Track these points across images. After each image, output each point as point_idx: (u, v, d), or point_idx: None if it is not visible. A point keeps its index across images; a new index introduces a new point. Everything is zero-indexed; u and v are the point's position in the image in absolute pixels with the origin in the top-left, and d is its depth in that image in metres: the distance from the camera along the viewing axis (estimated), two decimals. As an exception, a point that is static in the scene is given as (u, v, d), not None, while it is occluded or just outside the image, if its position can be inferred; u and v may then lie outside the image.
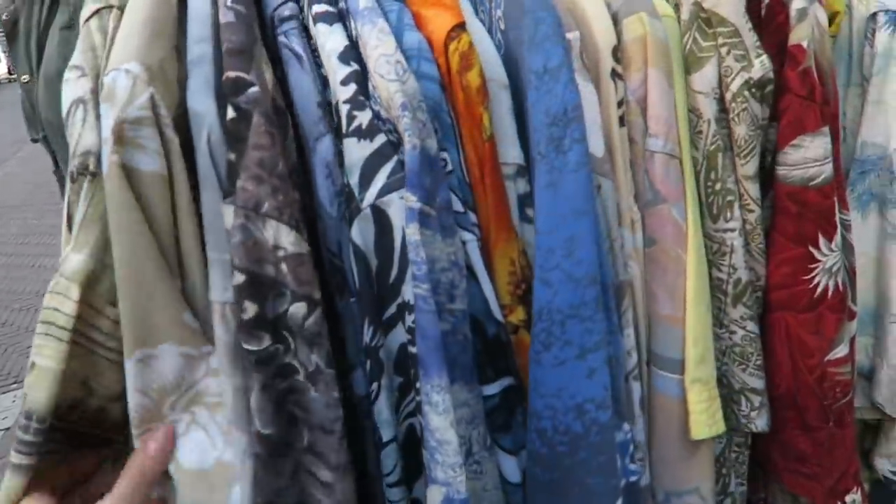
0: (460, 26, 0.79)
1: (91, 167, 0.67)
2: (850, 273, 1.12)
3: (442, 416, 0.73)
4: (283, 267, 0.69)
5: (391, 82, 0.74)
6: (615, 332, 0.89)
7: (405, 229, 0.73)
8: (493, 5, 0.90)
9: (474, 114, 0.80)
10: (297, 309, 0.70)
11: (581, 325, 0.81)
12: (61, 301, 0.64)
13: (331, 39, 0.78)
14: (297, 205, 0.72)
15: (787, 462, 1.12)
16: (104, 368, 0.71)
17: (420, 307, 0.73)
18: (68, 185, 0.70)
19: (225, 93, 0.70)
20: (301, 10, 0.83)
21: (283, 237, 0.69)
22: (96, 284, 0.67)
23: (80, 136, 0.69)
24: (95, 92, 0.70)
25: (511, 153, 0.85)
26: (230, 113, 0.68)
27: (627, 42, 0.91)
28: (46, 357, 0.64)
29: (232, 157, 0.68)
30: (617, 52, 0.90)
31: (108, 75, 0.65)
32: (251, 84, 0.69)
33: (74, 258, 0.64)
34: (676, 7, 0.97)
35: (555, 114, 0.80)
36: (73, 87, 0.72)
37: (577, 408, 0.83)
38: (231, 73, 0.69)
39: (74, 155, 0.69)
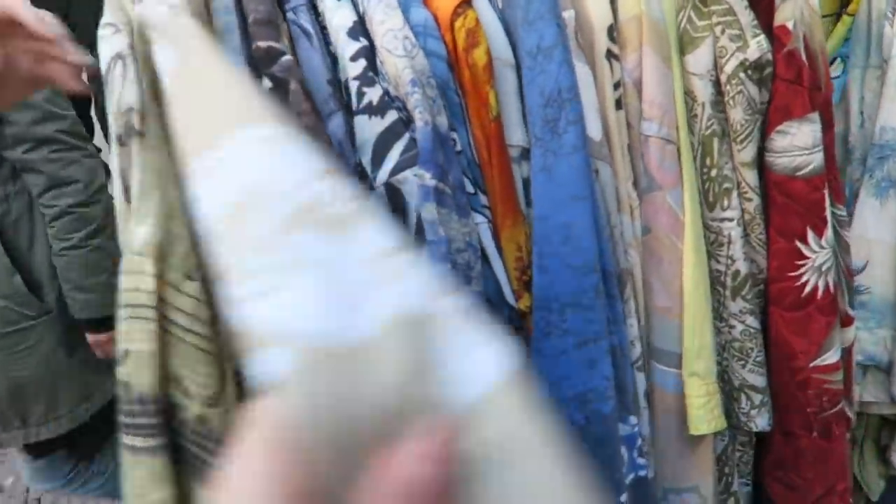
0: (466, 2, 0.88)
1: (137, 126, 0.72)
2: (846, 274, 1.19)
3: None
4: None
5: (399, 58, 0.82)
6: (619, 322, 0.96)
7: (420, 209, 0.81)
8: (491, -19, 0.96)
9: (481, 92, 0.88)
10: None
11: (580, 315, 0.90)
12: (138, 279, 0.67)
13: (338, 15, 0.85)
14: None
15: (771, 467, 1.22)
16: (194, 361, 0.71)
17: None
18: (115, 149, 0.75)
19: (257, 63, 0.77)
20: (310, -14, 0.90)
21: None
22: (168, 256, 0.68)
23: (122, 93, 0.74)
24: (133, 47, 0.75)
25: (516, 135, 0.93)
26: (266, 83, 0.75)
27: (623, 21, 0.99)
28: (138, 341, 0.67)
29: None
30: (613, 32, 0.97)
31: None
32: (283, 53, 0.77)
33: (140, 231, 0.67)
34: (674, -16, 1.04)
35: (549, 94, 0.89)
36: (110, 42, 0.76)
37: (577, 398, 0.91)
38: (262, 43, 0.77)
39: (118, 113, 0.74)
